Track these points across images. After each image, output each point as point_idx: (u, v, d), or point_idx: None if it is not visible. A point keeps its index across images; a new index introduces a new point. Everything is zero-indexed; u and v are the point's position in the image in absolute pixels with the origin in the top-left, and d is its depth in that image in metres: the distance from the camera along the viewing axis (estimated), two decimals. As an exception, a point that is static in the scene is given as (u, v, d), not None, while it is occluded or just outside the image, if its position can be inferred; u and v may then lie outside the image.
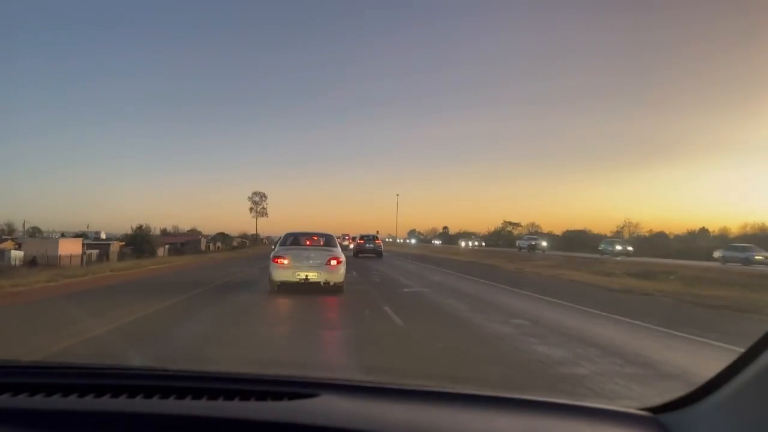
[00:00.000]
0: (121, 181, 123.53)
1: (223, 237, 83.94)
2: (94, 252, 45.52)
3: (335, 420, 1.06)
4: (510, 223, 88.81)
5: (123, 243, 53.11)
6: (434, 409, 1.17)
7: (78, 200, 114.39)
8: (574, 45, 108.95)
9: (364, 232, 76.83)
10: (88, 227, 73.84)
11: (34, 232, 68.64)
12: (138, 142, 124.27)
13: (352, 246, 49.20)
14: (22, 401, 1.14)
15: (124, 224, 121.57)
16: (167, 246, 60.14)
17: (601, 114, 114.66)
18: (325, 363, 5.40)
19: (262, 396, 1.19)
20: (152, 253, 51.11)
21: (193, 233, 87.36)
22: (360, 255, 33.52)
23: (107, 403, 1.13)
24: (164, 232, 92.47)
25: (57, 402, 1.14)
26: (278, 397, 1.19)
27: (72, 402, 1.14)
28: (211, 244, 74.55)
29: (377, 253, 34.36)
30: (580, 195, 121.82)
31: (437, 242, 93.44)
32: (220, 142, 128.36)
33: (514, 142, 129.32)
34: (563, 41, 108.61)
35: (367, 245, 34.92)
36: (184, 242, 72.81)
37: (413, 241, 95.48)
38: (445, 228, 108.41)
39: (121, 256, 47.91)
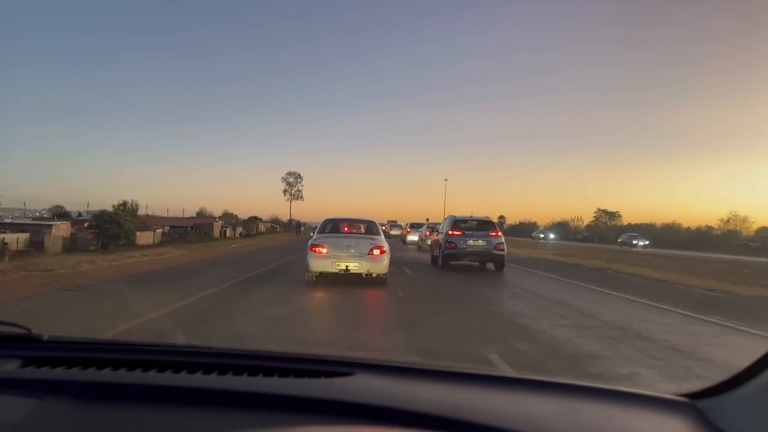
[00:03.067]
0: (152, 164, 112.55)
1: (246, 222, 69.52)
2: (19, 238, 30.30)
3: (370, 398, 1.08)
4: (606, 212, 70.17)
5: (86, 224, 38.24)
6: (467, 390, 1.17)
7: (114, 183, 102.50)
8: (652, 24, 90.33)
9: (392, 220, 53.94)
10: (88, 205, 60.53)
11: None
12: (171, 125, 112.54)
13: (411, 237, 33.36)
14: (77, 374, 1.18)
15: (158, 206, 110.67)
16: (161, 231, 45.21)
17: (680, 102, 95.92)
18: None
19: (300, 374, 1.21)
20: (129, 241, 36.33)
21: (226, 217, 76.02)
22: (452, 262, 15.04)
23: (153, 378, 1.18)
24: (200, 214, 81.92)
25: (109, 375, 1.18)
26: (315, 375, 1.20)
27: (121, 375, 1.18)
28: (227, 230, 59.51)
29: (493, 262, 15.03)
30: (663, 186, 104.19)
31: (642, 242, 47.68)
32: (257, 126, 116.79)
33: (577, 131, 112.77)
34: (639, 20, 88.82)
35: (471, 242, 14.71)
36: (194, 225, 58.38)
37: (550, 235, 55.49)
38: (501, 217, 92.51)
39: (73, 243, 33.09)
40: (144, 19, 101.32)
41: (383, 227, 65.35)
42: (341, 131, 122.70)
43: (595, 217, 71.47)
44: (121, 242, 36.34)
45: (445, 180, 68.71)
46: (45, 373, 1.17)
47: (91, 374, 1.17)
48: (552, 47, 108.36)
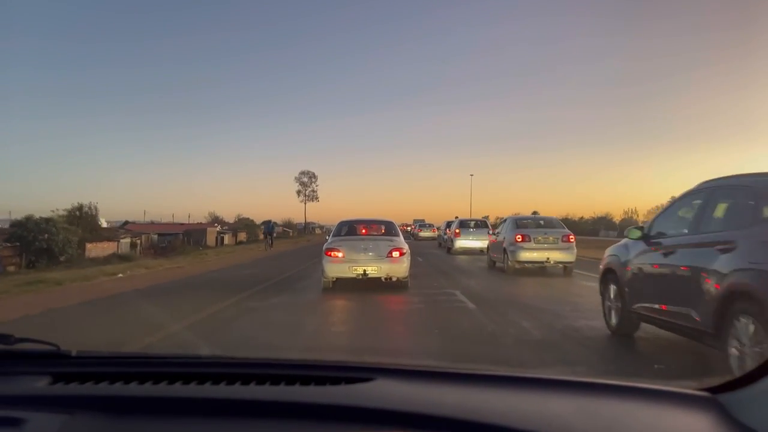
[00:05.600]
0: (165, 169, 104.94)
1: (250, 227, 59.65)
2: None
3: (391, 403, 1.07)
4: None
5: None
6: (488, 392, 1.16)
7: (122, 189, 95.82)
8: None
9: (419, 219, 46.28)
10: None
11: None
12: (183, 128, 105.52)
13: (464, 242, 21.76)
14: (104, 389, 1.19)
15: (177, 212, 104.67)
16: (128, 240, 35.21)
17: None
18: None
19: (321, 381, 1.20)
20: (70, 256, 26.29)
21: (242, 221, 67.63)
22: None
23: (178, 390, 1.17)
24: (215, 219, 74.50)
25: (135, 389, 1.18)
26: (336, 381, 1.19)
27: (148, 389, 1.18)
28: (225, 236, 49.48)
29: None
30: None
31: None
32: (273, 128, 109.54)
33: (617, 122, 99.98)
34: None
35: None
36: (185, 232, 48.66)
37: None
38: (534, 213, 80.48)
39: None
40: (154, 20, 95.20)
41: (408, 228, 51.39)
42: (356, 131, 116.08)
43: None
44: (62, 257, 26.36)
45: (471, 175, 59.66)
46: (74, 389, 1.19)
47: (119, 389, 1.19)
48: (581, 39, 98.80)
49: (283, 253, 26.33)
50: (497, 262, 14.66)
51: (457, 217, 31.96)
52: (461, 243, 22.24)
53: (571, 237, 12.76)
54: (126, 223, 57.47)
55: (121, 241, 33.41)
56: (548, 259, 12.47)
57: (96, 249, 29.72)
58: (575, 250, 12.69)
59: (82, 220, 31.48)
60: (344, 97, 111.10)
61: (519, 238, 12.74)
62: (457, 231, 22.69)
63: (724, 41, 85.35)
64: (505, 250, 13.27)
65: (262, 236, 35.47)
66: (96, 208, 33.67)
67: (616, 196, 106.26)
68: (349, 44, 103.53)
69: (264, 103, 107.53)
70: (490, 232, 22.84)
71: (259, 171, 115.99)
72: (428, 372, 1.28)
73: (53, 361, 1.34)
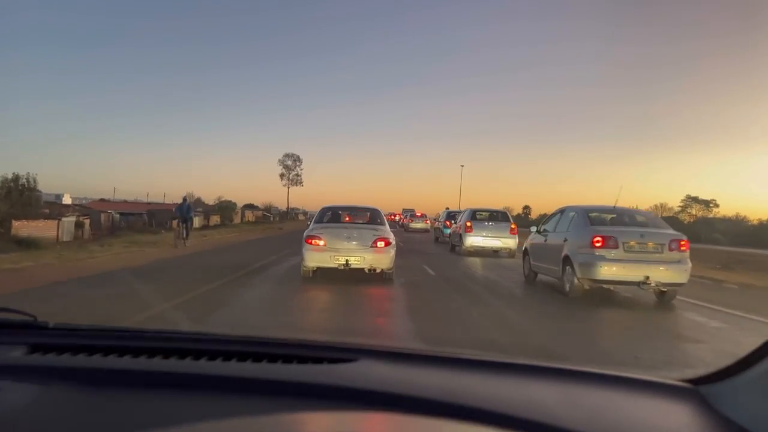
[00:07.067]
0: (145, 149, 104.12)
1: (224, 210, 55.10)
2: None
3: (373, 383, 1.07)
4: (697, 201, 53.87)
5: None
6: (470, 376, 1.16)
7: (101, 169, 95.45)
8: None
9: (408, 209, 42.68)
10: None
11: None
12: (166, 110, 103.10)
13: (473, 239, 16.90)
14: (82, 360, 1.17)
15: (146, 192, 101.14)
16: (73, 219, 30.16)
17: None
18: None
19: (303, 360, 1.20)
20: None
21: (222, 203, 63.59)
22: None
23: (158, 364, 1.15)
24: (193, 200, 71.01)
25: (113, 361, 1.16)
26: (318, 361, 1.19)
27: (126, 362, 1.16)
28: (196, 219, 44.45)
29: None
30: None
31: None
32: (259, 112, 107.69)
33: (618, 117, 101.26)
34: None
35: None
36: (148, 212, 44.04)
37: None
38: (526, 208, 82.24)
39: None
40: (139, 3, 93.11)
41: (396, 217, 44.75)
42: (345, 118, 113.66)
43: (681, 206, 55.31)
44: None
45: (461, 166, 56.55)
46: (50, 359, 1.18)
47: (97, 361, 1.17)
48: (580, 35, 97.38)
49: (206, 251, 16.17)
50: (542, 273, 9.92)
51: (447, 208, 26.95)
52: (473, 241, 17.33)
53: (683, 243, 8.05)
54: (101, 200, 54.21)
55: (64, 219, 28.20)
56: (647, 278, 7.66)
57: (27, 227, 24.63)
58: (690, 266, 8.04)
59: (12, 194, 26.34)
60: (334, 84, 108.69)
61: (598, 241, 7.93)
62: (469, 224, 17.63)
63: (727, 40, 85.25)
64: (567, 259, 8.46)
65: (174, 224, 22.88)
66: (35, 180, 28.41)
67: (610, 191, 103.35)
68: (339, 31, 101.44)
69: (253, 87, 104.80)
70: (512, 226, 18.24)
71: (245, 155, 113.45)
72: (411, 354, 1.27)
73: (30, 332, 1.32)
